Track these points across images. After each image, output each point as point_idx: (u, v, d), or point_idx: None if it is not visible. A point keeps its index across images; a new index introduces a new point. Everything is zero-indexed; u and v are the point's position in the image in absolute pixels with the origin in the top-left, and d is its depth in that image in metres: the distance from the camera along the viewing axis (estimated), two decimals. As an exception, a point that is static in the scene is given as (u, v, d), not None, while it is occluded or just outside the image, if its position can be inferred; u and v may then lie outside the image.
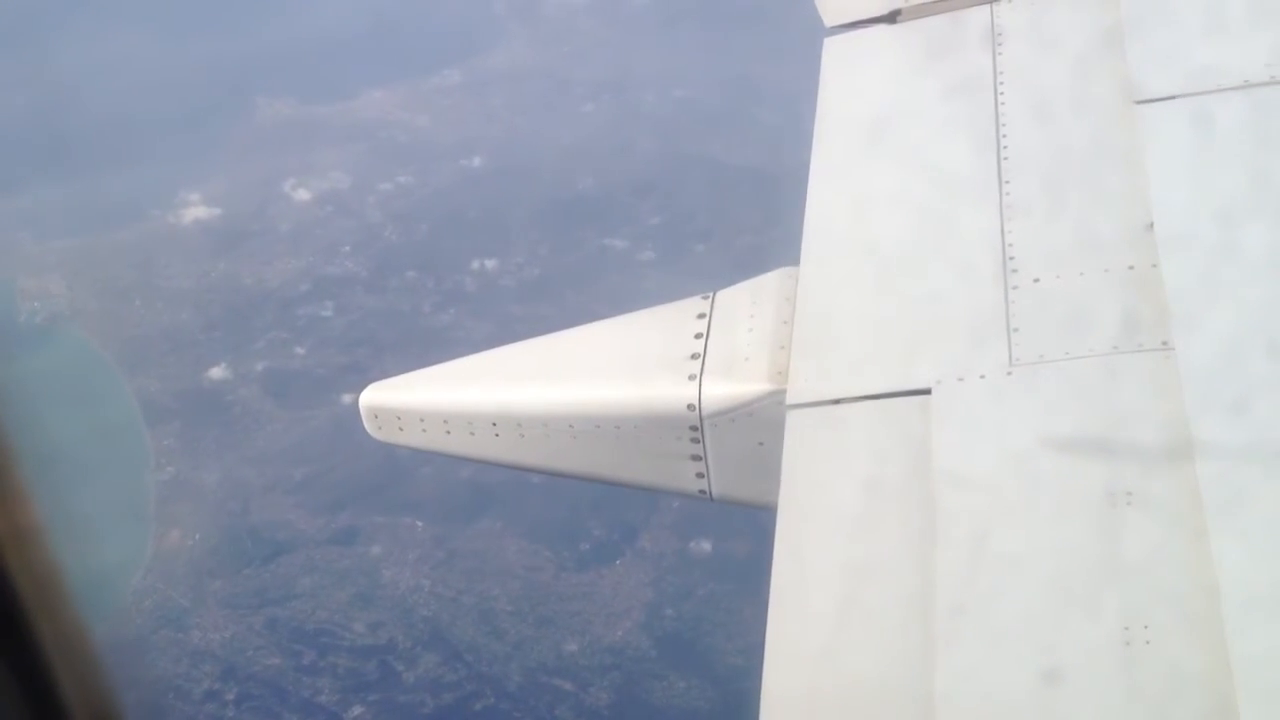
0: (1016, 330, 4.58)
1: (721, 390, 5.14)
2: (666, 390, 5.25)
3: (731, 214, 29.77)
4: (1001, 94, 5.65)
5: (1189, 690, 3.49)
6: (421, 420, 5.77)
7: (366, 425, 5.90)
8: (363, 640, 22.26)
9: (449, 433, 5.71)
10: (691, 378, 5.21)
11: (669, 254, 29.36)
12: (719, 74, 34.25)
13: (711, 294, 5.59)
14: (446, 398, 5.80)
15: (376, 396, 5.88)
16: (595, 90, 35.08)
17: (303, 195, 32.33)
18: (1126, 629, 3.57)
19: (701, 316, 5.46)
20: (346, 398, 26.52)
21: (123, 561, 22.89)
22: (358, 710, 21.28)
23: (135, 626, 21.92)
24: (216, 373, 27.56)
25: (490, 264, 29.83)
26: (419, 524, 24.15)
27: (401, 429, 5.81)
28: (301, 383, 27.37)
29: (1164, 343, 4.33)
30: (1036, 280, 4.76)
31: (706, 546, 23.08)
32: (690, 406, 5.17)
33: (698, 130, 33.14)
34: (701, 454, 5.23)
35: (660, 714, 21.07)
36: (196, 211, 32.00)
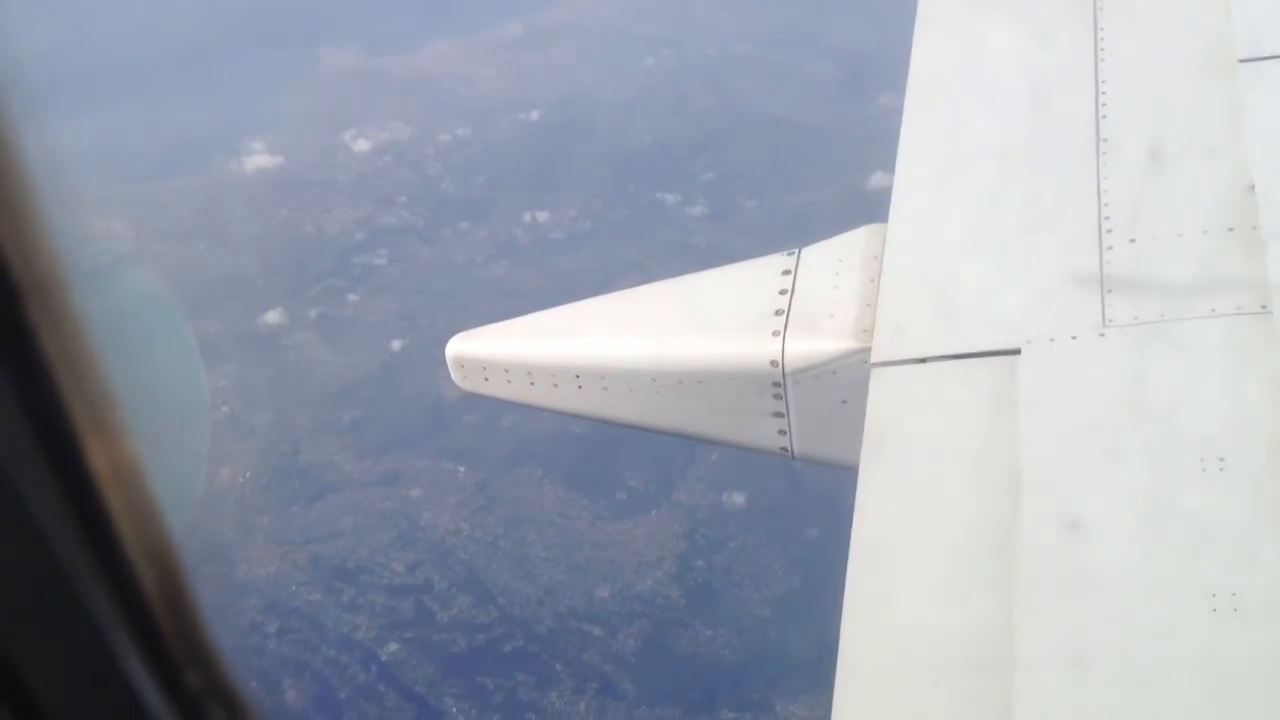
0: (1110, 291, 4.45)
1: (805, 347, 5.02)
2: (750, 346, 5.14)
3: (785, 171, 29.67)
4: (1101, 52, 5.52)
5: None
6: (506, 371, 5.73)
7: (453, 375, 5.86)
8: (400, 580, 22.56)
9: (533, 384, 5.67)
10: (775, 334, 5.09)
11: (720, 210, 29.35)
12: (780, 29, 34.02)
13: (797, 250, 5.47)
14: (531, 349, 5.75)
15: (462, 347, 5.83)
16: (655, 45, 34.94)
17: (362, 145, 32.59)
18: (1214, 595, 3.50)
19: (786, 273, 5.33)
20: (396, 344, 27.04)
21: (177, 496, 23.62)
22: (393, 647, 21.63)
23: (186, 559, 22.68)
24: (273, 317, 27.91)
25: (542, 216, 30.02)
26: (460, 469, 24.41)
27: (486, 379, 5.79)
28: (354, 329, 27.67)
29: (1263, 306, 4.21)
30: (1132, 240, 4.64)
31: (740, 500, 23.18)
32: (773, 363, 5.05)
33: (756, 86, 32.97)
34: (784, 411, 5.12)
35: (686, 662, 21.33)
36: (260, 159, 32.39)
